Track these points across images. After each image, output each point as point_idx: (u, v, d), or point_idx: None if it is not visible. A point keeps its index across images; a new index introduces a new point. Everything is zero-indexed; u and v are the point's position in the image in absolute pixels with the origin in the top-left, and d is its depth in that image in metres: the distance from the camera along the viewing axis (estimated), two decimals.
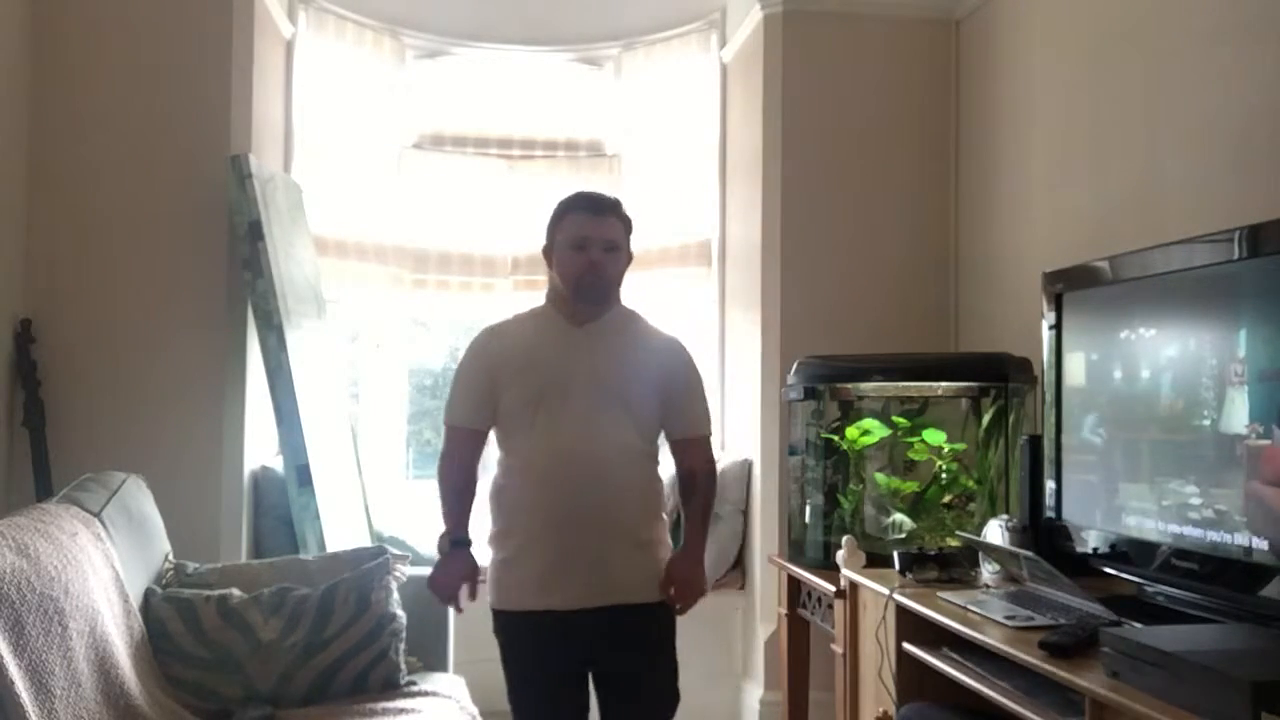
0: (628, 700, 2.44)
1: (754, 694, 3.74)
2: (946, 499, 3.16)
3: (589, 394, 2.39)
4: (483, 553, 2.51)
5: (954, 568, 2.61)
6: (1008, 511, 2.89)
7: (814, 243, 3.75)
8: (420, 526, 3.98)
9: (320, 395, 3.48)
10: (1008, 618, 2.14)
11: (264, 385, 3.32)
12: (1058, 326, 2.59)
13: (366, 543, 3.47)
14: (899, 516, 3.15)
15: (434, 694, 2.67)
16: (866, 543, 3.00)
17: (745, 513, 3.94)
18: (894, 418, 3.19)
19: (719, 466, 3.93)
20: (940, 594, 2.42)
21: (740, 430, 4.03)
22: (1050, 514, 2.59)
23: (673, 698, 2.48)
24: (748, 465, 3.91)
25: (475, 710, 2.73)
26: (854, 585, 2.78)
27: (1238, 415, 1.96)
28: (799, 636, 3.32)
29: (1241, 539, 1.95)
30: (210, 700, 2.52)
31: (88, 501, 2.52)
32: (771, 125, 3.79)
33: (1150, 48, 2.75)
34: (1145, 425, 2.26)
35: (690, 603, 2.50)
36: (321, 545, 3.20)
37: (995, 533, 2.61)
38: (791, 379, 3.30)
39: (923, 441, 3.13)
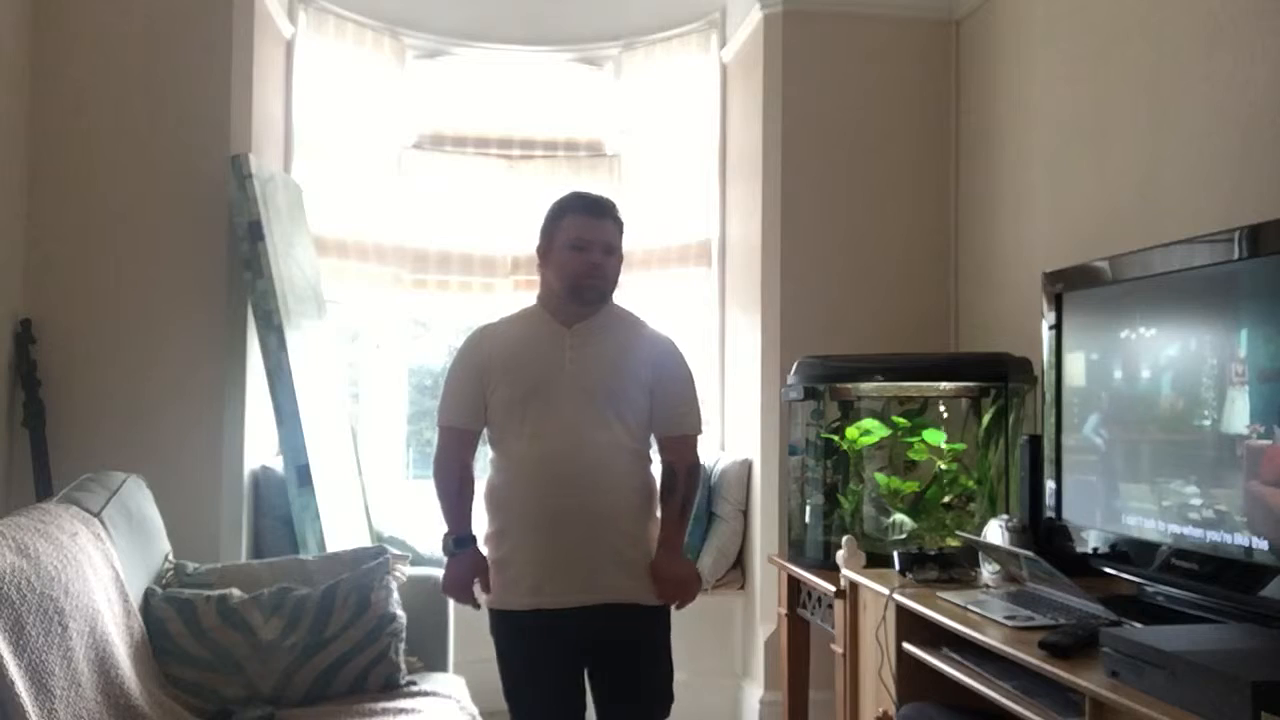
0: (620, 700, 2.46)
1: (754, 694, 3.74)
2: (946, 499, 3.16)
3: (577, 394, 2.41)
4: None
5: (954, 568, 2.61)
6: (1008, 511, 2.89)
7: (814, 243, 3.75)
8: (420, 526, 3.98)
9: (320, 395, 3.47)
10: (1008, 618, 2.14)
11: (264, 385, 3.32)
12: (1058, 326, 2.59)
13: (366, 543, 3.47)
14: (899, 516, 3.15)
15: (434, 694, 2.67)
16: (866, 543, 3.00)
17: (745, 513, 3.94)
18: (894, 418, 3.19)
19: (719, 466, 3.98)
20: (940, 594, 2.42)
21: (740, 430, 4.03)
22: (1050, 514, 2.59)
23: (666, 698, 2.49)
24: (748, 465, 3.91)
25: (475, 710, 2.73)
26: (854, 585, 2.78)
27: (1238, 415, 1.96)
28: (799, 636, 3.32)
29: (1242, 539, 1.95)
30: (210, 700, 2.52)
31: (88, 501, 2.52)
32: (771, 125, 3.79)
33: (1150, 47, 2.75)
34: (1145, 425, 2.26)
35: (686, 598, 2.51)
36: (321, 545, 3.20)
37: (995, 533, 2.61)
38: (791, 379, 3.30)
39: (923, 441, 3.13)
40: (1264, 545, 1.89)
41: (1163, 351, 2.22)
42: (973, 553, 2.66)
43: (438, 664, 2.93)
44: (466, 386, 2.49)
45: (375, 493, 3.90)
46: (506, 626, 2.45)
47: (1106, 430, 2.42)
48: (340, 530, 3.36)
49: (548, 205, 2.55)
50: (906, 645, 2.43)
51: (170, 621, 2.56)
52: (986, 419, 3.11)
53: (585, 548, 2.39)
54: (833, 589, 2.88)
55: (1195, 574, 2.06)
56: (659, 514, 2.53)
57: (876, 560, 2.84)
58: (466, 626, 3.11)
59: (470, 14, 4.35)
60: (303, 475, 3.24)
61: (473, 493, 2.53)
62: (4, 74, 3.18)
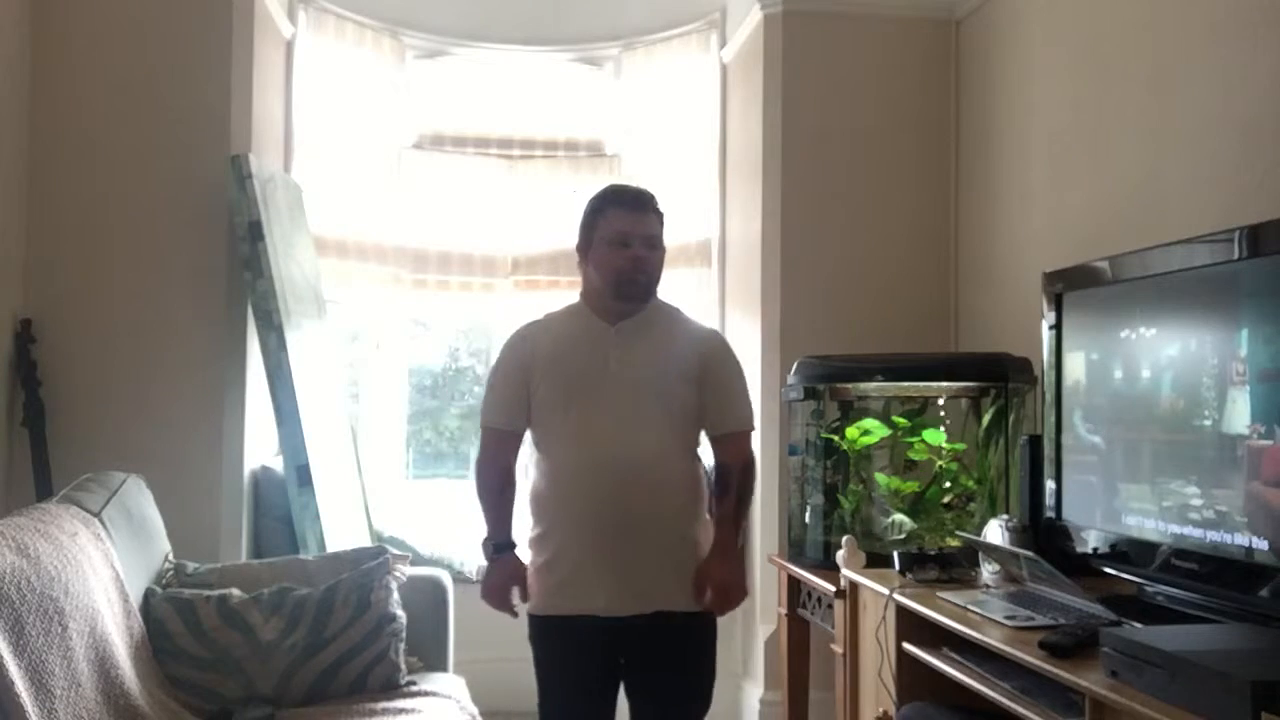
0: (661, 707, 2.39)
1: (754, 694, 3.74)
2: (946, 499, 3.16)
3: (624, 393, 2.34)
4: (525, 556, 2.48)
5: (954, 568, 2.61)
6: (1008, 511, 2.89)
7: (814, 243, 3.75)
8: (420, 526, 3.99)
9: (320, 395, 3.47)
10: (1008, 618, 2.14)
11: (264, 385, 3.32)
12: (1058, 326, 2.59)
13: (366, 543, 3.47)
14: (899, 516, 3.15)
15: (434, 694, 2.67)
16: (866, 543, 3.00)
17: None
18: (894, 418, 3.19)
19: None
20: (940, 594, 2.42)
21: None
22: (1050, 514, 2.59)
23: (706, 704, 2.43)
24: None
25: (475, 710, 2.73)
26: (854, 585, 2.78)
27: (1239, 415, 1.96)
28: (799, 636, 3.32)
29: (1242, 539, 1.95)
30: (210, 700, 2.52)
31: (88, 501, 2.52)
32: (771, 125, 3.79)
33: (1150, 47, 2.75)
34: (1145, 425, 2.26)
35: (730, 607, 2.44)
36: (321, 545, 3.20)
37: (995, 533, 2.61)
38: (791, 379, 3.30)
39: (923, 441, 3.13)
40: (1264, 545, 1.89)
41: (1163, 351, 2.22)
42: (973, 553, 2.66)
43: (438, 664, 2.93)
44: (509, 387, 2.43)
45: (375, 493, 3.90)
46: (549, 631, 2.39)
47: (1106, 430, 2.42)
48: (340, 530, 3.36)
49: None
50: (906, 645, 2.43)
51: (170, 621, 2.56)
52: (986, 419, 3.11)
53: (635, 553, 2.31)
54: (833, 589, 2.88)
55: (1195, 574, 2.06)
56: (708, 516, 2.45)
57: (876, 560, 2.84)
58: (466, 626, 3.11)
59: (470, 14, 4.34)
60: (303, 475, 3.24)
61: (514, 496, 2.47)
62: (4, 74, 3.18)
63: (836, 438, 3.22)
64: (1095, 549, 2.40)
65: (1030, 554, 2.33)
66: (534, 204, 4.34)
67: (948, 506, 3.15)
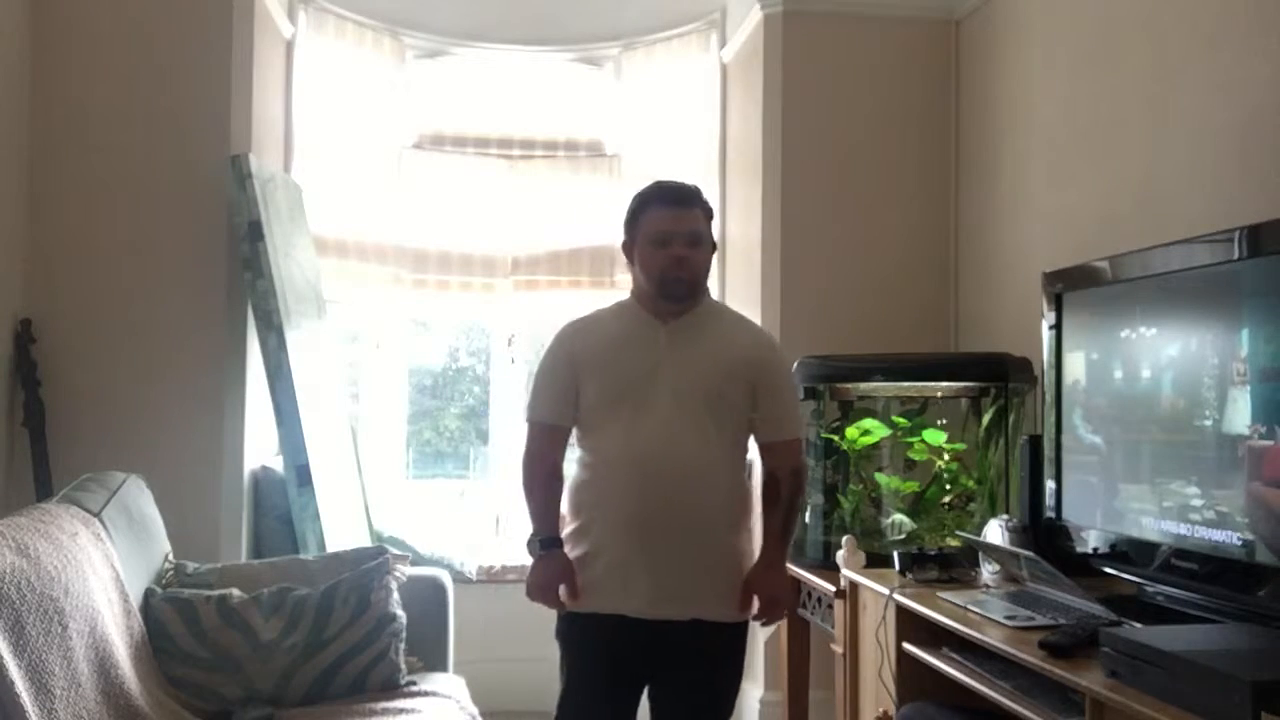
0: (687, 716, 2.36)
1: (754, 694, 3.74)
2: (946, 499, 3.17)
3: (672, 394, 2.30)
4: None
5: (954, 568, 2.62)
6: (1008, 511, 2.89)
7: (814, 242, 3.75)
8: (420, 526, 3.99)
9: (320, 395, 3.47)
10: (1008, 618, 2.14)
11: (264, 385, 3.31)
12: (1058, 326, 2.59)
13: (366, 543, 3.47)
14: (899, 516, 3.15)
15: (434, 694, 2.67)
16: (866, 543, 3.00)
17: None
18: (894, 418, 3.19)
19: None
20: (940, 594, 2.42)
21: None
22: (1050, 514, 2.59)
23: (730, 712, 2.40)
24: (748, 466, 3.90)
25: (475, 710, 2.73)
26: (854, 585, 2.78)
27: (1239, 415, 1.96)
28: (799, 636, 3.32)
29: (1242, 539, 1.95)
30: (210, 700, 2.52)
31: (88, 501, 2.52)
32: (771, 125, 3.79)
33: (1150, 47, 2.75)
34: (1146, 425, 2.26)
35: (777, 619, 2.41)
36: (321, 545, 3.20)
37: (995, 533, 2.61)
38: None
39: (923, 441, 3.13)
40: (1264, 545, 1.89)
41: (1163, 351, 2.22)
42: (973, 553, 2.66)
43: (438, 664, 2.92)
44: (557, 382, 2.39)
45: (375, 493, 3.90)
46: (580, 627, 2.35)
47: (1106, 430, 2.42)
48: (340, 530, 3.36)
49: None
50: (906, 645, 2.43)
51: (170, 621, 2.56)
52: (986, 419, 3.11)
53: (676, 558, 2.27)
54: (833, 589, 2.88)
55: (1195, 574, 2.06)
56: (753, 524, 2.41)
57: (876, 560, 2.84)
58: (466, 626, 3.11)
59: (470, 14, 4.34)
60: (303, 475, 3.24)
61: (561, 491, 2.42)
62: (4, 74, 3.18)
63: (836, 438, 3.22)
64: (1095, 549, 2.40)
65: (1030, 554, 2.33)
66: (534, 204, 4.34)
67: (948, 506, 3.15)
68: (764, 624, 2.43)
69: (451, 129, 4.41)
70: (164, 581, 2.72)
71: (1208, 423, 2.06)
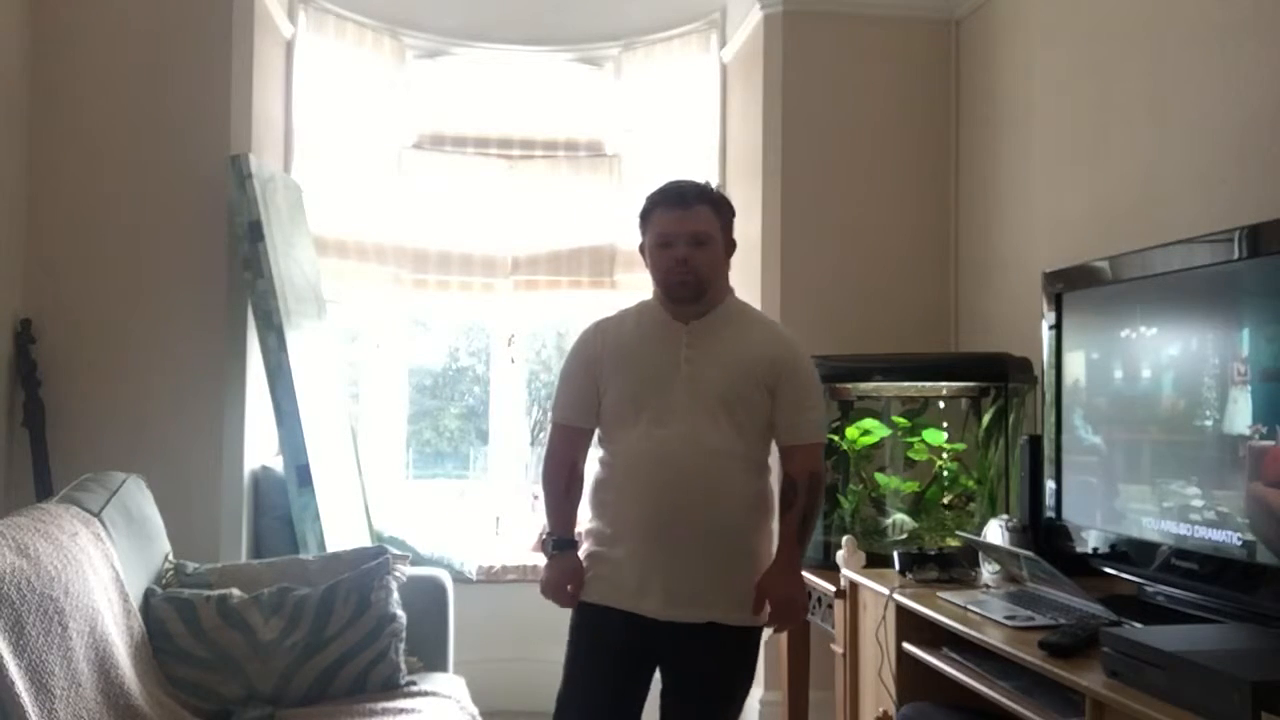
0: (693, 716, 2.33)
1: (754, 694, 3.73)
2: (946, 499, 3.17)
3: (694, 396, 2.28)
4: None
5: (954, 568, 2.62)
6: (1008, 511, 2.89)
7: (814, 242, 3.75)
8: (420, 526, 3.99)
9: (320, 395, 3.47)
10: (1008, 618, 2.14)
11: (264, 385, 3.31)
12: (1058, 326, 2.59)
13: (366, 543, 3.47)
14: (900, 516, 3.15)
15: (434, 694, 2.67)
16: (866, 543, 3.00)
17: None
18: (894, 418, 3.19)
19: None
20: (940, 594, 2.42)
21: None
22: (1050, 514, 2.59)
23: (739, 714, 2.39)
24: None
25: (475, 710, 2.73)
26: (854, 585, 2.78)
27: (1240, 416, 1.96)
28: (799, 636, 3.32)
29: (1243, 539, 1.95)
30: (210, 700, 2.52)
31: (88, 501, 2.52)
32: (771, 125, 3.79)
33: (1150, 47, 2.75)
34: (1146, 425, 2.26)
35: (790, 624, 2.39)
36: (321, 545, 3.20)
37: (995, 533, 2.61)
38: None
39: (923, 441, 3.13)
40: (1264, 545, 1.89)
41: (1163, 351, 2.22)
42: (973, 553, 2.66)
43: (438, 664, 2.92)
44: (579, 383, 2.39)
45: (375, 493, 3.90)
46: (592, 619, 2.33)
47: (1106, 430, 2.42)
48: (340, 530, 3.36)
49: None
50: (906, 645, 2.43)
51: (170, 621, 2.56)
52: (986, 419, 3.11)
53: (694, 560, 2.25)
54: (833, 589, 2.88)
55: (1195, 574, 2.06)
56: (773, 528, 2.38)
57: (876, 560, 2.84)
58: (466, 626, 3.11)
59: (470, 14, 4.34)
60: (303, 475, 3.24)
61: (580, 493, 2.41)
62: (4, 74, 3.18)
63: (836, 438, 3.22)
64: (1095, 549, 2.40)
65: (1030, 554, 2.33)
66: (534, 204, 4.34)
67: (948, 506, 3.15)
68: (777, 630, 2.41)
69: (451, 129, 4.41)
70: (164, 581, 2.72)
71: (1208, 423, 2.06)
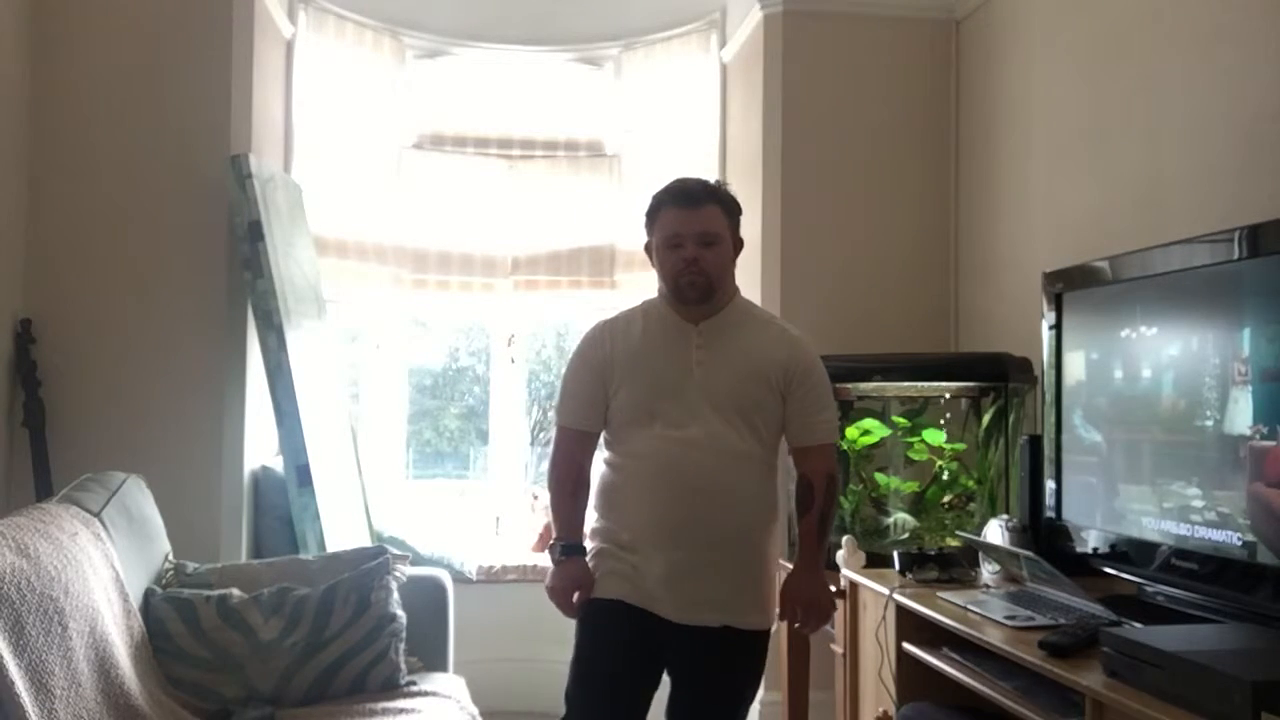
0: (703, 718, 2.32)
1: None
2: (946, 499, 3.17)
3: (705, 397, 2.26)
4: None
5: (954, 568, 2.62)
6: (1008, 511, 2.89)
7: (814, 243, 3.75)
8: (420, 526, 3.99)
9: (320, 395, 3.47)
10: (1008, 618, 2.14)
11: (264, 385, 3.31)
12: (1058, 326, 2.59)
13: (366, 543, 3.47)
14: (902, 515, 3.15)
15: (434, 694, 2.67)
16: (866, 542, 3.00)
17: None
18: (894, 418, 3.19)
19: None
20: (940, 594, 2.42)
21: None
22: (1050, 514, 2.59)
23: (745, 715, 2.37)
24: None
25: (475, 710, 2.73)
26: (854, 585, 2.78)
27: (1240, 416, 1.96)
28: (799, 636, 3.31)
29: (1243, 539, 1.95)
30: (210, 700, 2.52)
31: (88, 501, 2.52)
32: (771, 125, 3.79)
33: (1150, 47, 2.75)
34: (1146, 425, 2.26)
35: (820, 625, 2.37)
36: (321, 545, 3.20)
37: (995, 533, 2.61)
38: None
39: (923, 441, 3.13)
40: (1265, 545, 1.89)
41: (1163, 351, 2.22)
42: (973, 553, 2.66)
43: (438, 664, 2.92)
44: (587, 386, 2.35)
45: (375, 493, 3.90)
46: (603, 611, 2.28)
47: (1107, 430, 2.42)
48: (340, 530, 3.36)
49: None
50: (906, 645, 2.44)
51: (170, 621, 2.56)
52: (986, 419, 3.11)
53: (710, 565, 2.23)
54: (833, 589, 2.87)
55: (1195, 574, 2.06)
56: (779, 529, 2.37)
57: (876, 560, 2.84)
58: (466, 626, 3.11)
59: (470, 14, 4.34)
60: (303, 475, 3.24)
61: (587, 497, 2.39)
62: (4, 74, 3.18)
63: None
64: (1095, 549, 2.40)
65: (1030, 554, 2.33)
66: (534, 204, 4.34)
67: (948, 506, 3.15)
68: (808, 631, 2.40)
69: (451, 129, 4.41)
70: (164, 581, 2.72)
71: (1208, 423, 2.06)
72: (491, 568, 4.04)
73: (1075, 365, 2.54)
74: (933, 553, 2.67)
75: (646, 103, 4.42)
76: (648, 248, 2.40)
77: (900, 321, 3.73)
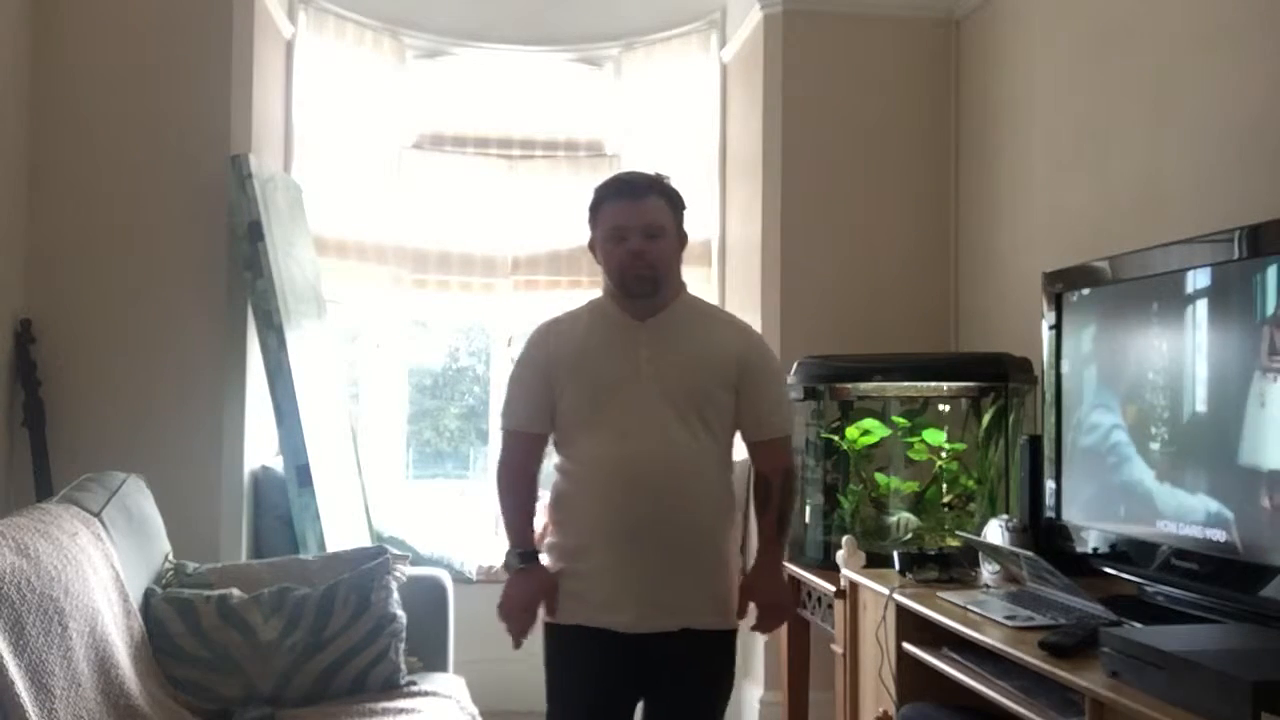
0: None
1: (754, 694, 3.74)
2: (946, 499, 3.17)
3: (656, 396, 2.20)
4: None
5: (954, 568, 2.62)
6: (1008, 511, 2.89)
7: (814, 242, 3.75)
8: (420, 526, 3.99)
9: (320, 395, 3.47)
10: (1008, 618, 2.14)
11: (264, 385, 3.31)
12: (1058, 326, 2.59)
13: (366, 543, 3.47)
14: (904, 515, 3.15)
15: (434, 694, 2.67)
16: (867, 543, 3.00)
17: (745, 513, 3.93)
18: (894, 418, 3.19)
19: None
20: (940, 594, 2.42)
21: None
22: (1050, 514, 2.59)
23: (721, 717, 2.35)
24: (748, 465, 3.90)
25: (475, 710, 2.73)
26: (854, 585, 2.78)
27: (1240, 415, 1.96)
28: (799, 636, 3.32)
29: (1242, 539, 1.95)
30: (210, 700, 2.52)
31: (88, 501, 2.52)
32: (771, 125, 3.79)
33: (1151, 47, 2.75)
34: (1146, 425, 2.26)
35: (777, 626, 2.31)
36: (321, 545, 3.20)
37: (995, 533, 2.61)
38: (791, 379, 3.30)
39: (923, 441, 3.13)
40: (1263, 545, 1.89)
41: (1163, 351, 2.22)
42: (973, 553, 2.66)
43: (438, 664, 2.92)
44: (532, 388, 2.28)
45: (375, 493, 3.90)
46: (568, 641, 2.24)
47: (1106, 430, 2.42)
48: (340, 530, 3.36)
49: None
50: (906, 645, 2.43)
51: (170, 621, 2.56)
52: (986, 419, 3.11)
53: (665, 566, 2.18)
54: (833, 589, 2.88)
55: (1195, 574, 2.06)
56: (738, 526, 2.32)
57: (876, 560, 2.84)
58: (466, 626, 3.11)
59: (470, 14, 4.34)
60: (303, 475, 3.24)
61: (537, 503, 2.34)
62: (4, 74, 3.18)
63: (836, 438, 3.22)
64: (1095, 549, 2.40)
65: (1030, 554, 2.33)
66: (534, 204, 4.34)
67: (948, 506, 3.15)
68: (764, 631, 2.35)
69: (451, 129, 4.42)
70: (164, 581, 2.72)
71: (1208, 422, 2.06)
72: (491, 568, 4.03)
73: (1075, 365, 2.54)
74: (933, 553, 2.66)
75: (646, 103, 4.42)
76: (591, 244, 2.33)
77: (900, 321, 3.73)
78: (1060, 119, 3.18)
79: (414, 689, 2.68)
